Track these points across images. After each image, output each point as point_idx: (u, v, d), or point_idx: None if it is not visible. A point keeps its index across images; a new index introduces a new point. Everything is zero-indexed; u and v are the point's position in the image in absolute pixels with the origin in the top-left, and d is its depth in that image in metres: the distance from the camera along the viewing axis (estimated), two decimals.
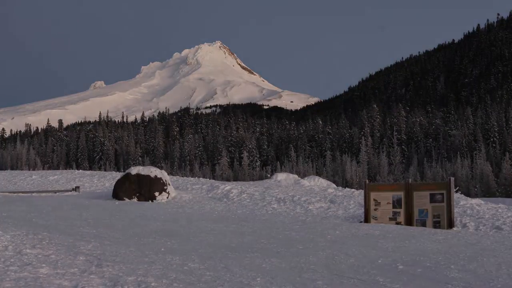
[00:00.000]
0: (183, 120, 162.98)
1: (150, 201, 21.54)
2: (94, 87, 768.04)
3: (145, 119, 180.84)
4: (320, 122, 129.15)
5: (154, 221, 14.40)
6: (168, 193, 22.28)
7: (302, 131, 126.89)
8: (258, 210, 19.17)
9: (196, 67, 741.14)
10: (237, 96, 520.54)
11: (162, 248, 9.26)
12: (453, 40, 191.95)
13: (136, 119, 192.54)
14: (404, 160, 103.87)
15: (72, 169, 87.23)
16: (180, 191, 23.95)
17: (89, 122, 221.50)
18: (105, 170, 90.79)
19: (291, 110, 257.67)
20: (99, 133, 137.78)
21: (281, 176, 29.62)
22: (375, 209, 16.42)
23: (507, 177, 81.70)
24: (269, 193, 22.02)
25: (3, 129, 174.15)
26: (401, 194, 16.12)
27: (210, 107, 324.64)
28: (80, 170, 45.57)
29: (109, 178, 32.06)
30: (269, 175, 61.63)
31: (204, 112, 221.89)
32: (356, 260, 8.94)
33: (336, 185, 31.15)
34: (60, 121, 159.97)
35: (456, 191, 20.02)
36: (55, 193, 26.28)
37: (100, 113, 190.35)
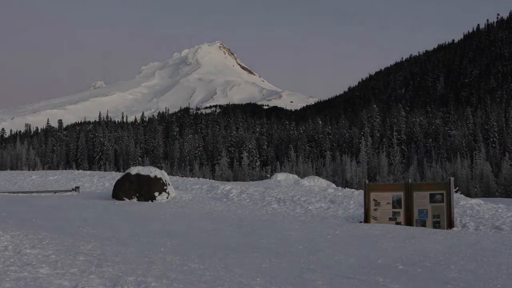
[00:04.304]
0: (183, 120, 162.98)
1: (150, 201, 21.52)
2: (94, 87, 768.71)
3: (145, 119, 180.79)
4: (320, 122, 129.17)
5: (154, 221, 14.39)
6: (168, 193, 22.27)
7: (302, 131, 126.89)
8: (258, 210, 19.16)
9: (196, 67, 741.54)
10: (237, 96, 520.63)
11: (162, 248, 9.24)
12: (453, 40, 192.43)
13: (136, 119, 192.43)
14: (404, 160, 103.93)
15: (72, 169, 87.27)
16: (180, 191, 23.93)
17: (89, 122, 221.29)
18: (105, 170, 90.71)
19: (291, 110, 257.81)
20: (99, 133, 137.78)
21: (281, 176, 29.64)
22: (375, 209, 16.43)
23: (507, 177, 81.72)
24: (269, 193, 22.00)
25: (3, 129, 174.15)
26: (401, 194, 16.13)
27: (210, 107, 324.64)
28: (80, 170, 45.58)
29: (109, 178, 32.04)
30: (269, 175, 61.77)
31: (204, 112, 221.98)
32: (356, 260, 8.93)
33: (336, 185, 31.15)
34: (60, 121, 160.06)
35: (456, 191, 20.01)
36: (55, 193, 26.27)
37: (100, 113, 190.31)
